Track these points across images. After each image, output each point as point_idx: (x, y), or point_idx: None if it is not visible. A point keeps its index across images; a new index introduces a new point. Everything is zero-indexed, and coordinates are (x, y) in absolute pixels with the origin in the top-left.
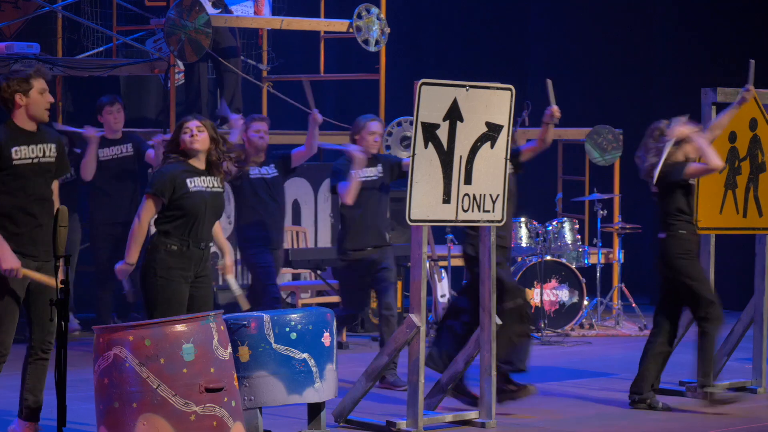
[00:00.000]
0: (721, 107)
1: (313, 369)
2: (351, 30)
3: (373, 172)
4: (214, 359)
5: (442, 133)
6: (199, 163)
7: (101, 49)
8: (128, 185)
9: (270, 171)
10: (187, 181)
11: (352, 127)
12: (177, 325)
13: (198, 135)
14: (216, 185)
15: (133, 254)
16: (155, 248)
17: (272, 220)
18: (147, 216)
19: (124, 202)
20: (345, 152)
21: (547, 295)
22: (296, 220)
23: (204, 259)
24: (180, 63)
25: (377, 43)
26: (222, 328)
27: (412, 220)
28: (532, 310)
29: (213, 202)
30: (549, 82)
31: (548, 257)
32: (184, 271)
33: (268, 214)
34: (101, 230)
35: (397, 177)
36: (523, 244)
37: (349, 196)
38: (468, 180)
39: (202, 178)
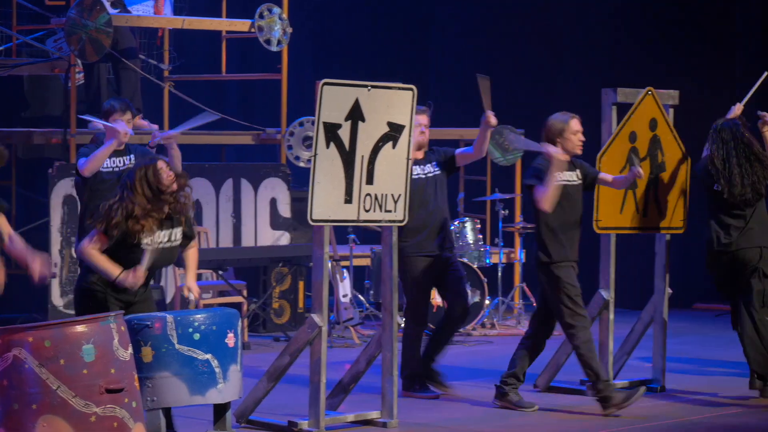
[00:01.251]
0: (621, 107)
1: (217, 370)
2: (253, 30)
3: (573, 177)
4: (115, 360)
5: (344, 133)
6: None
7: (1, 48)
8: None
9: (433, 169)
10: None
11: (547, 126)
12: (77, 326)
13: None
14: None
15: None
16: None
17: (433, 221)
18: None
19: None
20: (544, 153)
21: None
22: (198, 220)
23: (141, 292)
24: (80, 62)
25: (279, 42)
26: (122, 328)
27: (313, 220)
28: (434, 310)
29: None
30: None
31: None
32: (119, 300)
33: (429, 216)
34: None
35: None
36: None
37: (548, 202)
38: (370, 180)
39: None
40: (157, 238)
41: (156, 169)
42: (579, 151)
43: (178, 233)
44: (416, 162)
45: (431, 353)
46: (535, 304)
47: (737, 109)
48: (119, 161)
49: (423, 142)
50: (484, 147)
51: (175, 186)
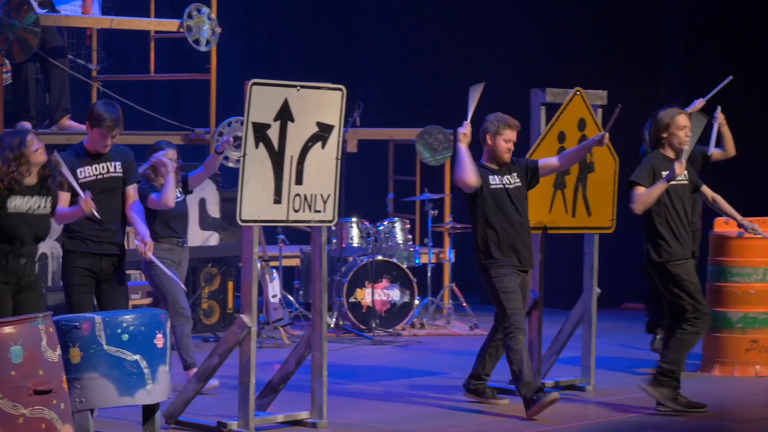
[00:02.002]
0: (550, 107)
1: (145, 370)
2: (181, 30)
3: (682, 177)
4: (43, 361)
5: (273, 134)
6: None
7: None
8: None
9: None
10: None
11: (653, 123)
12: (4, 327)
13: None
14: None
15: None
16: None
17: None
18: None
19: None
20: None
21: (378, 294)
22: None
23: (27, 273)
24: (7, 62)
25: (208, 42)
26: (51, 329)
27: (243, 221)
28: (364, 310)
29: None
30: (617, 109)
31: (379, 257)
32: (7, 282)
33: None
34: None
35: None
36: (354, 244)
37: (642, 203)
38: (299, 180)
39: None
40: (23, 204)
41: (24, 138)
42: (686, 147)
43: (46, 202)
44: (495, 172)
45: (488, 365)
46: (465, 304)
47: (698, 104)
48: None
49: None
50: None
51: (43, 157)
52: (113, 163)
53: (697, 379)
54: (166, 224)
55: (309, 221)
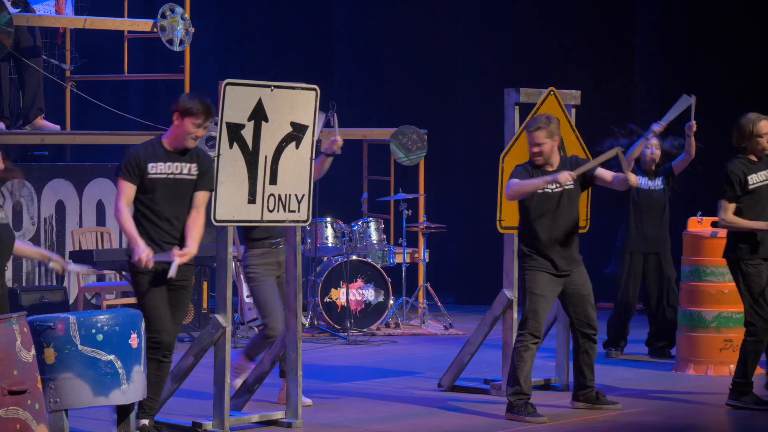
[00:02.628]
0: (524, 107)
1: (120, 371)
2: (155, 30)
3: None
4: (18, 361)
5: (247, 134)
6: None
7: None
8: None
9: (659, 185)
10: None
11: (739, 128)
12: None
13: None
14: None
15: None
16: None
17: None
18: None
19: None
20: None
21: (353, 294)
22: (100, 220)
23: None
24: None
25: (181, 42)
26: (25, 329)
27: (217, 221)
28: (339, 310)
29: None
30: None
31: (354, 257)
32: None
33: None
34: None
35: None
36: (329, 244)
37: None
38: (273, 180)
39: None
40: None
41: None
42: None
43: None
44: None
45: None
46: (439, 304)
47: (658, 130)
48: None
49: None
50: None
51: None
52: (189, 165)
53: (672, 378)
54: (263, 227)
55: (283, 221)
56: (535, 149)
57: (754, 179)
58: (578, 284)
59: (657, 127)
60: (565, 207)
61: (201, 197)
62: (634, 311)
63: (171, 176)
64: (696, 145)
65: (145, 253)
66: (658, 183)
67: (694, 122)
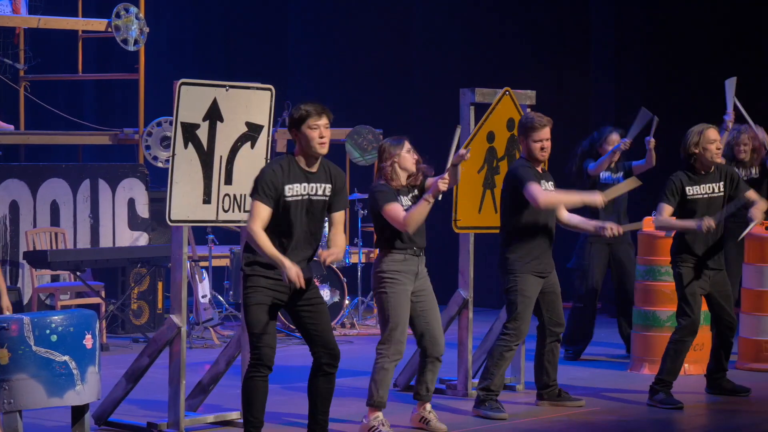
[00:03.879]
0: (479, 107)
1: (74, 371)
2: (110, 29)
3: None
4: None
5: (202, 134)
6: None
7: None
8: None
9: (620, 179)
10: None
11: (687, 139)
12: None
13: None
14: None
15: None
16: None
17: None
18: None
19: None
20: None
21: None
22: (55, 221)
23: None
24: None
25: (136, 42)
26: None
27: (172, 221)
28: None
29: None
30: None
31: None
32: None
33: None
34: None
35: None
36: None
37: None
38: (228, 180)
39: None
40: None
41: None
42: (717, 161)
43: None
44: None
45: (550, 371)
46: None
47: (624, 147)
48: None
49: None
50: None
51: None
52: (324, 185)
53: (627, 377)
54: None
55: (238, 221)
56: (545, 144)
57: (694, 191)
58: (553, 283)
59: (623, 145)
60: (554, 212)
61: (338, 217)
62: (596, 303)
63: (306, 197)
64: (656, 156)
65: (295, 272)
66: (619, 177)
67: (653, 139)
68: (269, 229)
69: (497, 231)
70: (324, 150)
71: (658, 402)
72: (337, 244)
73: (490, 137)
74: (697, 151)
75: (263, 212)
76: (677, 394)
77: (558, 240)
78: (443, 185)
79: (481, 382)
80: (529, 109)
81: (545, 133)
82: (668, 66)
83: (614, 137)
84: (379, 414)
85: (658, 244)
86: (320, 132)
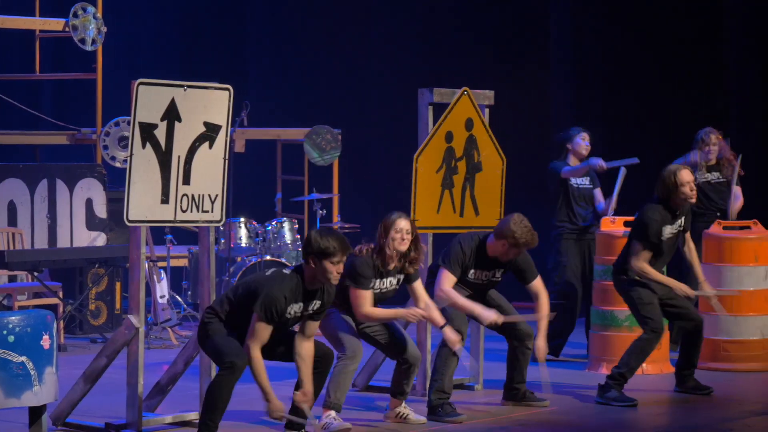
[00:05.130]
0: (437, 107)
1: (32, 372)
2: (67, 29)
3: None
4: None
5: (160, 133)
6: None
7: None
8: None
9: (586, 182)
10: None
11: (662, 180)
12: None
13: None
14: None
15: None
16: None
17: None
18: None
19: None
20: None
21: None
22: (12, 221)
23: None
24: None
25: (94, 42)
26: None
27: (130, 221)
28: None
29: None
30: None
31: (268, 257)
32: None
33: None
34: None
35: None
36: (243, 245)
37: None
38: (186, 180)
39: None
40: None
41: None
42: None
43: None
44: None
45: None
46: None
47: (600, 168)
48: None
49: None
50: None
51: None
52: (316, 302)
53: (585, 376)
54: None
55: (197, 221)
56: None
57: (667, 231)
58: (497, 301)
59: (598, 166)
60: None
61: (312, 327)
62: (577, 298)
63: (299, 315)
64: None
65: (277, 412)
66: (585, 180)
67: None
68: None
69: (455, 231)
70: (336, 282)
71: (612, 399)
72: (307, 374)
73: (449, 137)
74: (674, 191)
75: (265, 333)
76: (636, 393)
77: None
78: (412, 318)
79: (431, 386)
80: (487, 110)
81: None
82: (627, 66)
83: (585, 134)
84: (332, 412)
85: (617, 244)
86: (339, 268)
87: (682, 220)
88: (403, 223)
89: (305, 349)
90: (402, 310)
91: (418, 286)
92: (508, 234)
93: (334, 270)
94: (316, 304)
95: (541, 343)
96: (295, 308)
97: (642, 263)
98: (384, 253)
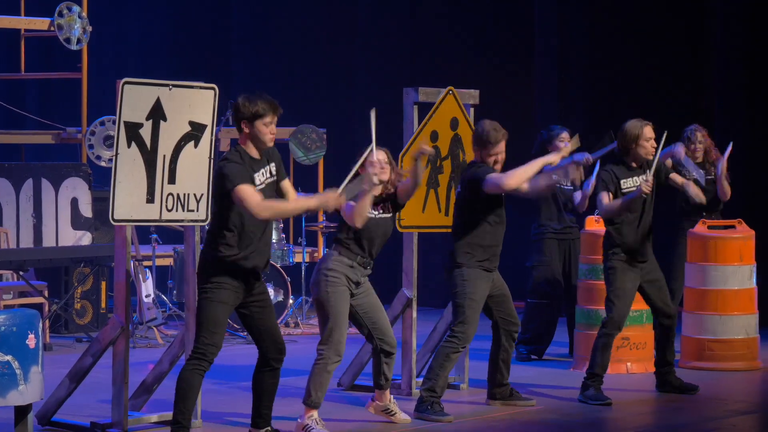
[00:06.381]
0: (422, 107)
1: (17, 371)
2: (52, 28)
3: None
4: None
5: (146, 133)
6: None
7: None
8: None
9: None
10: None
11: (624, 132)
12: None
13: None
14: None
15: None
16: None
17: None
18: None
19: None
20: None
21: None
22: None
23: None
24: None
25: (79, 41)
26: None
27: (115, 220)
28: None
29: None
30: None
31: None
32: None
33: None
34: None
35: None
36: None
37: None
38: (172, 179)
39: None
40: None
41: None
42: (650, 158)
43: None
44: None
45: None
46: None
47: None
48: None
49: None
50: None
51: None
52: (270, 166)
53: (570, 376)
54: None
55: (182, 220)
56: (500, 157)
57: (628, 184)
58: (500, 284)
59: (585, 160)
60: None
61: (287, 185)
62: (559, 298)
63: (266, 183)
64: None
65: (334, 198)
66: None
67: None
68: (238, 227)
69: (442, 230)
70: (272, 144)
71: (589, 398)
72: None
73: (434, 136)
74: (633, 146)
75: (254, 192)
76: (621, 392)
77: (510, 238)
78: (374, 178)
79: (425, 382)
80: (472, 109)
81: (500, 147)
82: (612, 65)
83: (565, 135)
84: (314, 413)
85: (600, 244)
86: (272, 129)
87: (648, 174)
88: (380, 155)
89: (292, 200)
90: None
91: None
92: (478, 139)
93: (267, 131)
94: (272, 166)
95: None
96: (259, 177)
97: (606, 203)
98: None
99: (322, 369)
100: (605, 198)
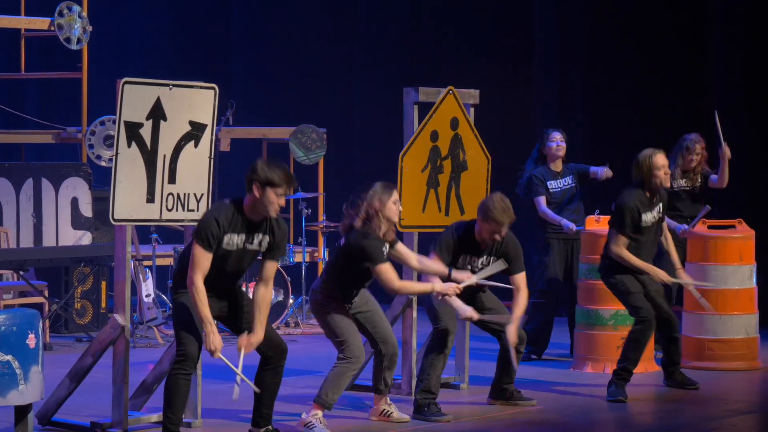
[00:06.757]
0: (423, 106)
1: (17, 371)
2: (52, 28)
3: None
4: None
5: (146, 133)
6: None
7: None
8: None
9: (570, 182)
10: None
11: (637, 163)
12: None
13: None
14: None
15: None
16: None
17: None
18: None
19: None
20: None
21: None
22: None
23: None
24: None
25: (79, 41)
26: None
27: (115, 220)
28: None
29: None
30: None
31: None
32: None
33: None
34: None
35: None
36: None
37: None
38: (172, 179)
39: None
40: None
41: None
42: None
43: None
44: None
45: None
46: None
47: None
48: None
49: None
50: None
51: None
52: (262, 237)
53: (570, 375)
54: None
55: (182, 220)
56: (497, 237)
57: (647, 218)
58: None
59: (606, 172)
60: None
61: (270, 268)
62: (556, 299)
63: (242, 247)
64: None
65: (215, 344)
66: (567, 180)
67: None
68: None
69: (441, 230)
70: (276, 215)
71: (609, 394)
72: (260, 320)
73: (434, 136)
74: (648, 177)
75: (204, 261)
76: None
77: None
78: (452, 292)
79: (418, 385)
80: (472, 109)
81: (501, 229)
82: (612, 65)
83: (556, 135)
84: (320, 412)
85: (601, 243)
86: (281, 201)
87: (660, 207)
88: (396, 194)
89: (260, 293)
90: (436, 285)
91: (402, 246)
92: (482, 208)
93: (276, 202)
94: (264, 239)
95: (512, 329)
96: (235, 239)
97: (620, 248)
98: (379, 222)
99: (342, 373)
100: (620, 243)
